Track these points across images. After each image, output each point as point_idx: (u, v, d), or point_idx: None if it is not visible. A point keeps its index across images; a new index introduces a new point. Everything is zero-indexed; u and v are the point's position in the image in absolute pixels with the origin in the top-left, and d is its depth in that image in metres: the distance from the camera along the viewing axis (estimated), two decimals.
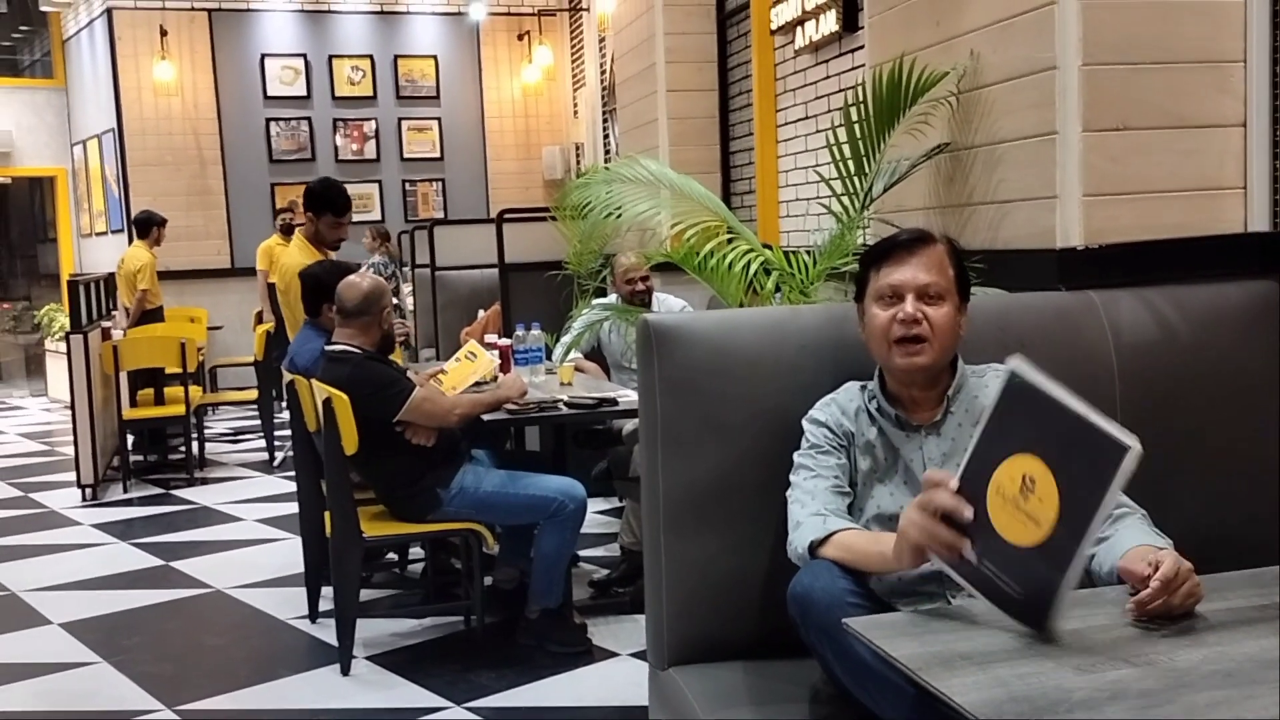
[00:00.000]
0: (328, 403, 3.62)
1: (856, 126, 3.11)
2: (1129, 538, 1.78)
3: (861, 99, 3.10)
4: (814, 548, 1.95)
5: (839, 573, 1.88)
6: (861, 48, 4.77)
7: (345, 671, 3.70)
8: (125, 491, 6.76)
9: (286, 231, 9.13)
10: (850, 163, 3.17)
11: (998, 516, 1.61)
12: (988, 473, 1.63)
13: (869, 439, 2.10)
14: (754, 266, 3.30)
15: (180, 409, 7.08)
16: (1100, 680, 1.40)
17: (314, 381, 3.79)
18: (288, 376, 4.21)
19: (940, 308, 2.03)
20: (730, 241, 3.41)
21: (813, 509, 2.01)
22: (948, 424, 2.08)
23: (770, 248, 3.41)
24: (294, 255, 5.06)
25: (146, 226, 8.65)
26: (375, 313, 3.88)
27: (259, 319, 8.98)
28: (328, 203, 5.04)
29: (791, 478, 2.10)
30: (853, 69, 5.34)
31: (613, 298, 4.95)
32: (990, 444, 1.65)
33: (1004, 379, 1.65)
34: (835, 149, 3.20)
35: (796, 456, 2.11)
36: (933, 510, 1.67)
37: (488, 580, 4.05)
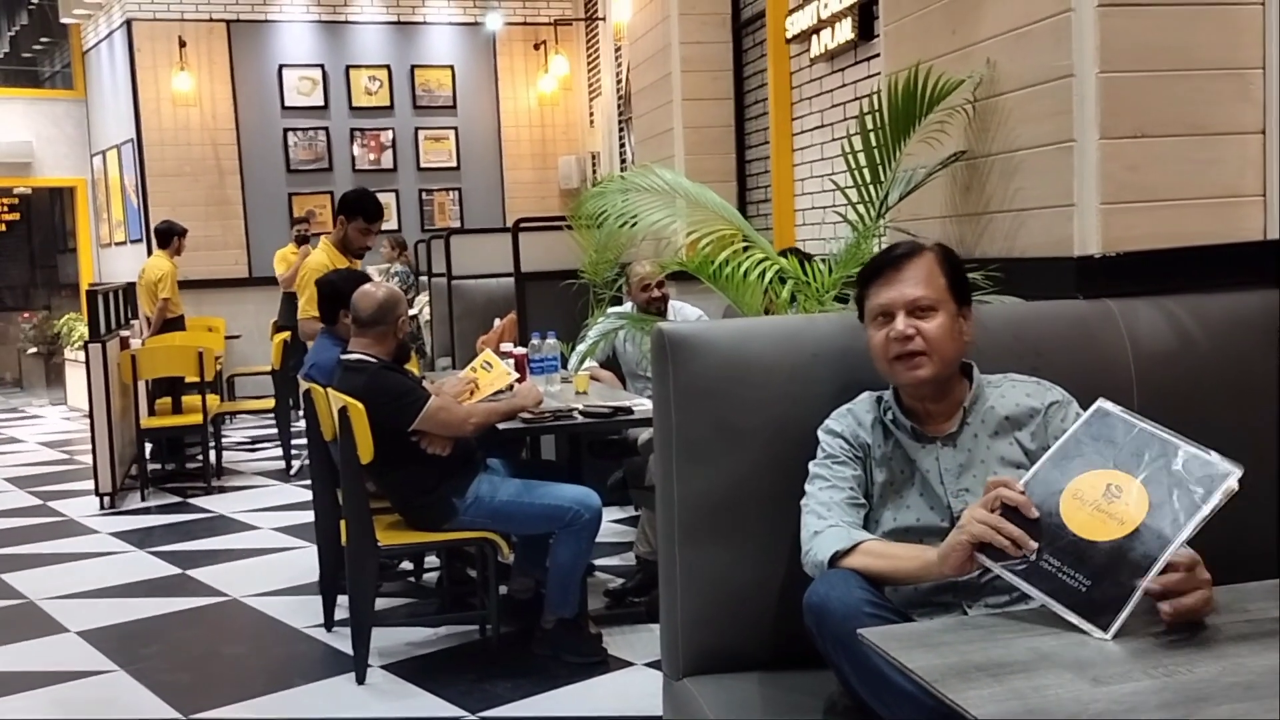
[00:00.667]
0: (343, 412, 3.63)
1: (872, 135, 3.10)
2: None
3: (877, 107, 3.09)
4: (837, 558, 1.93)
5: (855, 582, 1.87)
6: (877, 56, 4.76)
7: (360, 680, 3.70)
8: (143, 500, 6.79)
9: (301, 242, 9.16)
10: (866, 171, 3.16)
11: (1073, 516, 1.66)
12: (1059, 483, 1.70)
13: (885, 451, 2.09)
14: (769, 275, 3.29)
15: (198, 418, 7.11)
16: (1117, 692, 1.39)
17: (330, 390, 3.80)
18: (304, 385, 4.22)
19: (933, 319, 2.02)
20: (746, 250, 3.40)
21: (831, 520, 2.00)
22: (964, 435, 2.06)
23: (797, 251, 3.39)
24: (317, 257, 5.14)
25: (167, 236, 8.70)
26: (390, 322, 3.88)
27: (276, 328, 9.02)
28: (361, 208, 5.14)
29: (806, 488, 2.09)
30: (868, 77, 5.33)
31: (628, 306, 4.95)
32: (1064, 461, 1.73)
33: (1088, 414, 1.76)
34: (851, 157, 3.19)
35: (812, 466, 2.10)
36: (997, 507, 1.70)
37: (503, 590, 4.05)
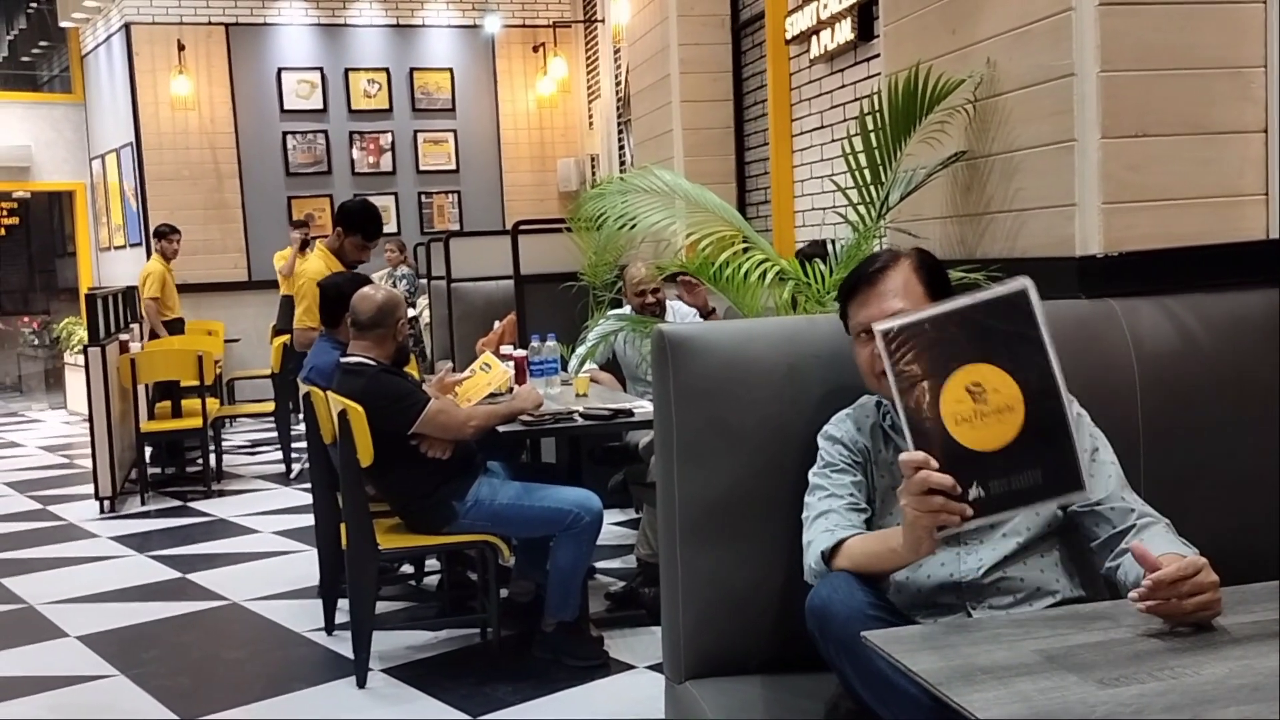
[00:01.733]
0: (343, 415, 3.62)
1: (872, 135, 3.09)
2: (1155, 546, 1.76)
3: (877, 108, 3.08)
4: (827, 560, 1.92)
5: (858, 585, 1.86)
6: (877, 56, 4.76)
7: (361, 684, 3.69)
8: (143, 504, 6.78)
9: (302, 245, 9.16)
10: (866, 172, 3.15)
11: (969, 437, 1.61)
12: (933, 417, 1.62)
13: (886, 456, 2.07)
14: (769, 276, 3.29)
15: (197, 421, 7.10)
16: (1123, 695, 1.38)
17: (329, 394, 3.79)
18: (304, 389, 4.21)
19: None
20: (746, 251, 3.39)
21: (824, 526, 1.99)
22: None
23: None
24: (314, 264, 5.14)
25: (153, 238, 8.72)
26: (390, 325, 3.88)
27: (275, 332, 9.01)
28: (361, 225, 5.15)
29: (807, 499, 2.07)
30: (868, 78, 5.33)
31: (627, 308, 4.94)
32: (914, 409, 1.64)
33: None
34: (851, 158, 3.18)
35: (811, 476, 2.08)
36: (925, 491, 1.62)
37: (503, 593, 4.04)
